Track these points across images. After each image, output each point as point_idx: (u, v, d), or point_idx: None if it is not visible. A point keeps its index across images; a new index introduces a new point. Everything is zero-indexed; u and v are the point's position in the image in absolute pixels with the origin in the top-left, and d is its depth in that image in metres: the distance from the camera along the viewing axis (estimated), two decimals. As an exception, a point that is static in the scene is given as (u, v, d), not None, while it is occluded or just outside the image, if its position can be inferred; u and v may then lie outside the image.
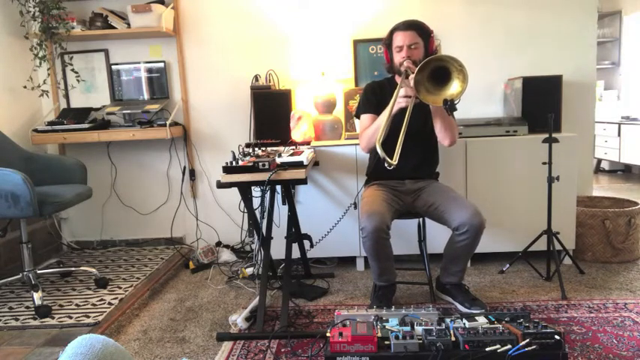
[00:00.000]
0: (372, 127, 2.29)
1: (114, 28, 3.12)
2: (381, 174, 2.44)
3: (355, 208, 2.73)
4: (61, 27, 3.05)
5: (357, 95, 2.89)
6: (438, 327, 1.69)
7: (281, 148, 2.48)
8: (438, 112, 2.21)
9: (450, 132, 2.25)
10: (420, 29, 2.27)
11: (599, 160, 6.09)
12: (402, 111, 2.16)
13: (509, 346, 1.58)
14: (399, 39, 2.27)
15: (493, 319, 1.75)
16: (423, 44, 2.27)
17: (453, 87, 2.05)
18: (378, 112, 2.34)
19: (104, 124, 3.15)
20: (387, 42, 2.33)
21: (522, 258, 2.73)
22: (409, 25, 2.27)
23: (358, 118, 2.48)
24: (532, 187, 2.75)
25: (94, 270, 2.75)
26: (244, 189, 2.29)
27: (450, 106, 2.01)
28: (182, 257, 3.20)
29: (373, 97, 2.42)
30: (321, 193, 2.84)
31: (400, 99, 2.16)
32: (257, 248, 2.53)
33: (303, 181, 2.17)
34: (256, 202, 2.51)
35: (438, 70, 2.06)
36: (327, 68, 3.02)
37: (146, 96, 3.31)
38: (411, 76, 2.10)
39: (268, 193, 2.38)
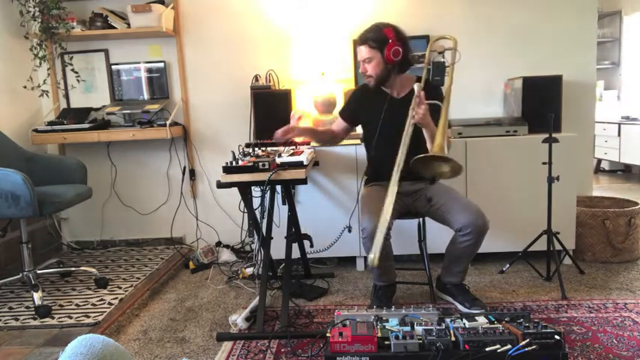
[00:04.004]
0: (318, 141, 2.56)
1: (114, 28, 3.12)
2: (379, 175, 2.43)
3: (350, 231, 2.64)
4: (61, 27, 3.05)
5: (357, 95, 2.90)
6: (438, 327, 1.69)
7: (281, 148, 2.48)
8: (427, 129, 2.16)
9: None
10: (373, 40, 2.21)
11: (599, 160, 6.09)
12: (392, 127, 2.22)
13: (509, 346, 1.58)
14: (358, 53, 2.29)
15: (493, 319, 1.75)
16: (379, 55, 2.22)
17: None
18: (350, 119, 2.49)
19: (104, 124, 3.15)
20: None
21: (522, 258, 2.73)
22: (362, 40, 2.24)
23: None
24: (532, 187, 2.74)
25: (94, 270, 2.75)
26: (244, 189, 2.29)
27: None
28: (182, 257, 3.20)
29: (353, 104, 2.50)
30: (321, 193, 2.84)
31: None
32: (257, 248, 2.53)
33: (303, 181, 2.17)
34: (256, 202, 2.51)
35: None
36: (327, 68, 3.02)
37: (146, 96, 3.31)
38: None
39: (268, 193, 2.38)
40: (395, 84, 2.33)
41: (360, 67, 2.31)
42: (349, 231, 2.60)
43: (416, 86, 2.11)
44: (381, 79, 2.28)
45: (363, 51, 2.24)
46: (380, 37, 2.21)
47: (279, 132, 2.26)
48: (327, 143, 2.64)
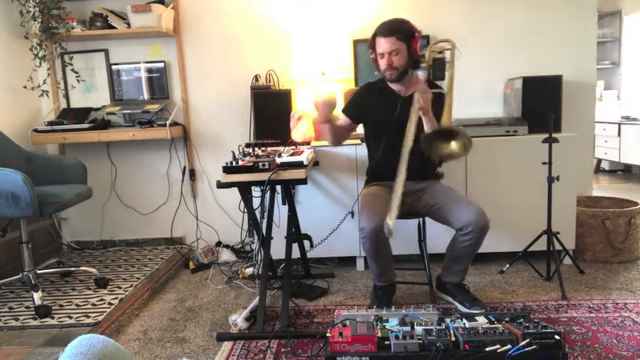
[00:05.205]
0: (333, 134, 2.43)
1: (114, 28, 3.12)
2: (380, 175, 2.43)
3: (352, 217, 2.67)
4: (61, 27, 3.05)
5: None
6: (438, 327, 1.69)
7: (281, 148, 2.48)
8: (427, 118, 2.17)
9: None
10: (400, 33, 2.21)
11: (599, 160, 6.09)
12: (401, 125, 2.19)
13: (509, 346, 1.58)
14: (381, 46, 2.24)
15: (493, 319, 1.75)
16: (405, 48, 2.22)
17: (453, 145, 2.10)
18: (352, 115, 2.46)
19: (104, 124, 3.15)
20: (372, 45, 2.30)
21: (522, 258, 2.73)
22: (390, 31, 2.21)
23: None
24: (532, 187, 2.74)
25: (94, 270, 2.75)
26: (244, 189, 2.29)
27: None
28: (182, 257, 3.20)
29: (355, 104, 2.48)
30: (321, 193, 2.84)
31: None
32: (257, 248, 2.53)
33: (303, 181, 2.17)
34: (256, 202, 2.51)
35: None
36: (327, 68, 3.02)
37: (146, 96, 3.31)
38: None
39: (268, 193, 2.38)
40: (407, 81, 2.32)
41: (386, 59, 2.23)
42: (352, 216, 2.63)
43: (420, 73, 2.13)
44: (404, 71, 2.26)
45: (389, 43, 2.20)
46: (406, 29, 2.22)
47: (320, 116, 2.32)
48: (338, 139, 2.52)
